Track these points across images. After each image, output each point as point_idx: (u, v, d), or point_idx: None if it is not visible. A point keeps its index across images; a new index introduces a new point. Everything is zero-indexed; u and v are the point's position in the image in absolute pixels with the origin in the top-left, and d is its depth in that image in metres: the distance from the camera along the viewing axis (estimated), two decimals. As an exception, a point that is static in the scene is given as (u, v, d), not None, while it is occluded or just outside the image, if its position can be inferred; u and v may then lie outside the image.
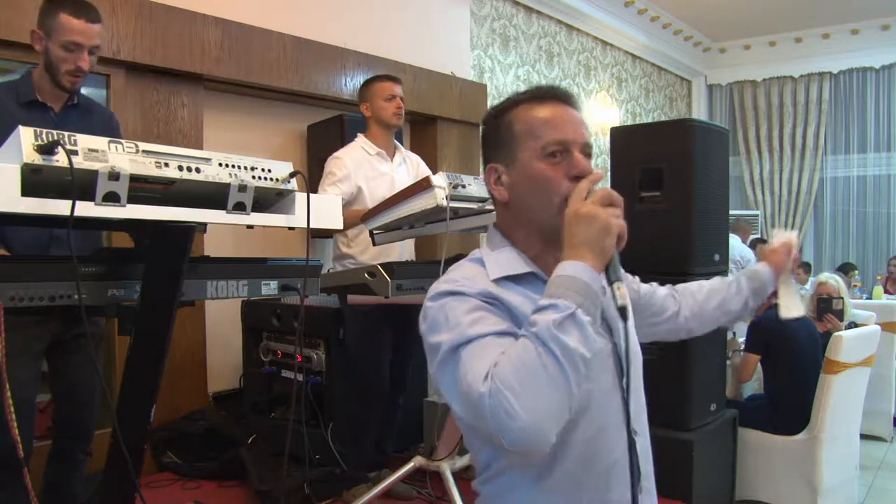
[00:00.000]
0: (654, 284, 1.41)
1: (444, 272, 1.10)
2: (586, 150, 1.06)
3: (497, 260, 1.07)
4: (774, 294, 1.45)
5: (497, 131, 1.10)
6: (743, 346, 3.57)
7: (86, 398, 2.10)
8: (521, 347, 0.88)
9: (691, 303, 1.40)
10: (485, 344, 0.92)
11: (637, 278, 1.39)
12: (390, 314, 2.64)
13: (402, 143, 3.11)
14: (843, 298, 3.65)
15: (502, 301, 1.01)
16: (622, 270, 1.06)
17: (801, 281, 6.78)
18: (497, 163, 1.10)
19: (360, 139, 2.85)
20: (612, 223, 0.94)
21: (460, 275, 1.04)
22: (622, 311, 0.94)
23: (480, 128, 1.18)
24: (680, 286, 1.43)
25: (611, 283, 0.96)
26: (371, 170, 2.79)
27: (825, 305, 3.60)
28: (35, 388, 1.99)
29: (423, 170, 3.01)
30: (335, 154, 2.80)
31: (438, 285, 1.03)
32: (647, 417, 1.17)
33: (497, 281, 1.04)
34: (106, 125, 2.13)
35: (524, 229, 1.09)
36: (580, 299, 0.89)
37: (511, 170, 1.08)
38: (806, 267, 7.10)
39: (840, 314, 3.60)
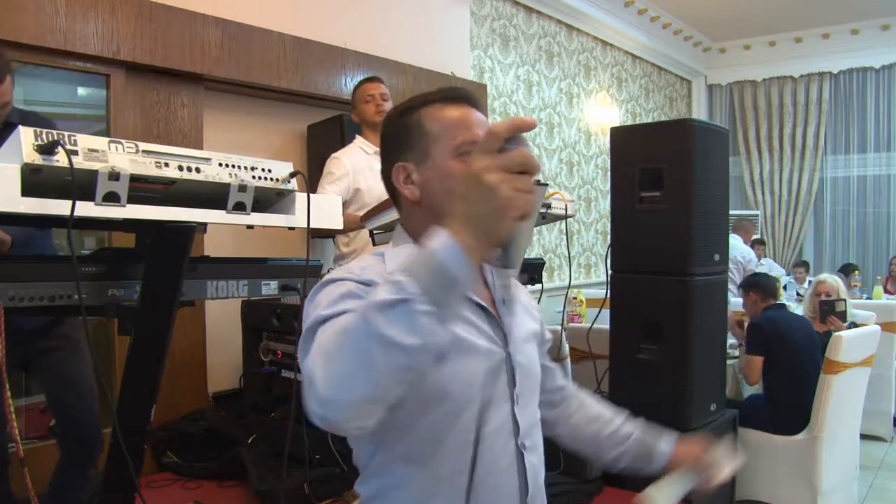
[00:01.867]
0: (556, 367, 1.28)
1: None
2: None
3: (396, 255, 1.06)
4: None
5: (407, 130, 1.09)
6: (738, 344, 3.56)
7: (80, 406, 2.09)
8: (346, 319, 0.81)
9: (571, 415, 1.28)
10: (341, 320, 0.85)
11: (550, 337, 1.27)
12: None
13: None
14: (845, 300, 3.65)
15: None
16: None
17: (800, 280, 6.79)
18: (406, 161, 1.09)
19: (358, 140, 2.91)
20: (514, 203, 0.75)
21: (354, 265, 1.02)
22: (503, 304, 0.87)
23: (382, 126, 1.17)
24: (579, 393, 1.30)
25: (502, 266, 0.83)
26: (369, 169, 2.83)
27: (828, 307, 3.60)
28: None
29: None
30: (334, 155, 2.85)
31: (328, 275, 1.00)
32: (540, 435, 1.13)
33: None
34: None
35: (432, 227, 1.05)
36: (428, 282, 0.75)
37: (423, 169, 1.07)
38: (804, 266, 7.10)
39: (843, 315, 3.60)
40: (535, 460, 1.08)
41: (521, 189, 0.75)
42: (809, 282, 6.68)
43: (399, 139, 1.11)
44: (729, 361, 3.45)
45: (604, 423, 1.27)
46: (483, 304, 1.06)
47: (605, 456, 1.25)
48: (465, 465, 0.98)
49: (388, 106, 2.88)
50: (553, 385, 1.27)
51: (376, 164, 2.85)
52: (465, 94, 1.10)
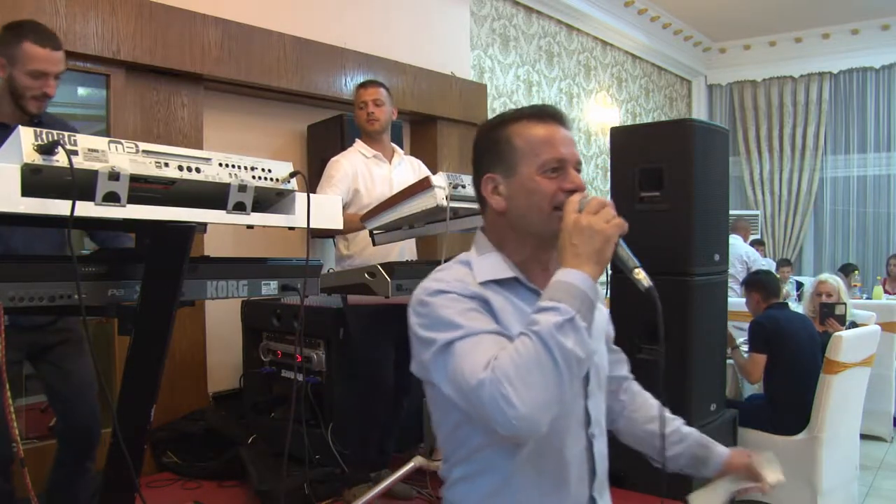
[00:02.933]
0: (624, 358, 1.36)
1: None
2: (578, 168, 1.15)
3: (483, 264, 1.14)
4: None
5: (496, 144, 1.17)
6: (742, 342, 3.55)
7: (80, 399, 2.09)
8: (522, 344, 0.95)
9: (633, 409, 1.34)
10: (480, 339, 1.00)
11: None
12: (392, 314, 2.65)
13: (401, 142, 3.12)
14: (845, 304, 3.65)
15: (489, 302, 1.08)
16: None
17: (783, 277, 6.77)
18: (495, 173, 1.16)
19: (358, 143, 2.93)
20: (610, 232, 1.02)
21: (451, 276, 1.11)
22: (649, 292, 1.06)
23: (475, 137, 1.24)
24: (642, 391, 1.36)
25: (630, 270, 1.06)
26: (368, 172, 2.85)
27: (827, 310, 3.60)
28: None
29: (424, 171, 3.03)
30: (333, 158, 2.88)
31: (431, 283, 1.09)
32: (605, 425, 1.22)
33: (483, 284, 1.10)
34: None
35: (516, 237, 1.16)
36: (578, 305, 0.97)
37: (510, 182, 1.14)
38: (788, 264, 7.08)
39: (842, 319, 3.59)
40: (603, 447, 1.18)
41: (608, 219, 1.02)
42: (793, 280, 6.68)
43: (489, 152, 1.19)
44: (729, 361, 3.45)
45: (663, 422, 1.28)
46: None
47: (670, 451, 1.29)
48: (545, 454, 1.09)
49: (382, 111, 2.87)
50: (619, 373, 1.34)
51: (375, 167, 2.91)
52: (554, 112, 1.17)
